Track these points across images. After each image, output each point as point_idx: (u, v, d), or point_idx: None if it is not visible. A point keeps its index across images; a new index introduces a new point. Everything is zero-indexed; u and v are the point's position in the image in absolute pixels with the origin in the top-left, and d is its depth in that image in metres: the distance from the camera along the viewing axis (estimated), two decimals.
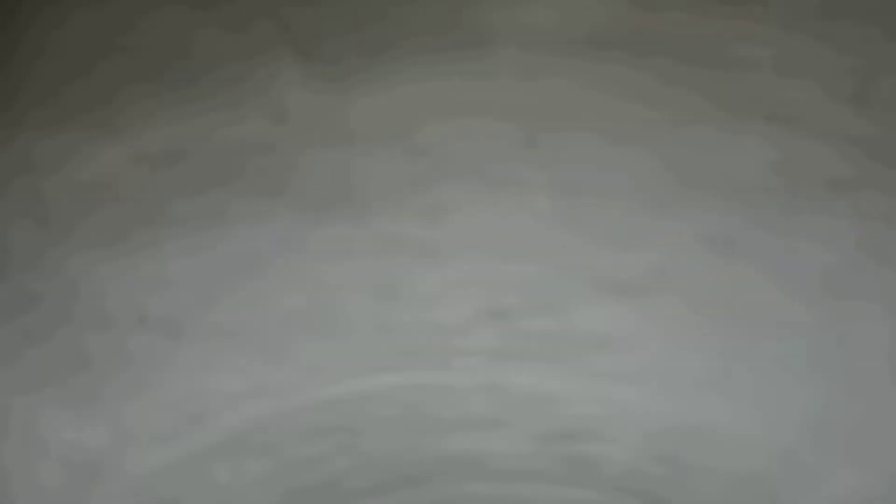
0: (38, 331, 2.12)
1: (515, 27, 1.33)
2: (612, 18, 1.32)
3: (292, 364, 2.35)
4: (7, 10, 1.28)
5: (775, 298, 2.06)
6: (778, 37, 1.37)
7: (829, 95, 1.50)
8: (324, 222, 1.74)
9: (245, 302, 2.14)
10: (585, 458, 2.90)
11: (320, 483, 3.13)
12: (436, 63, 1.41)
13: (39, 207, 1.82)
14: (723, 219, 1.85)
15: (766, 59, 1.42)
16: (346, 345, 2.28)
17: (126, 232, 1.89)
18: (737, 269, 2.00)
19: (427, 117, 1.53)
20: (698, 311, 2.12)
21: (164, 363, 2.30)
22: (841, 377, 2.20)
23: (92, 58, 1.41)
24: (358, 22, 1.32)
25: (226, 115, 1.53)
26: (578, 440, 2.75)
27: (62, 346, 2.17)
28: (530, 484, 3.22)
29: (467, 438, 2.83)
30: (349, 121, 1.52)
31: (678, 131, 1.58)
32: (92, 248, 1.94)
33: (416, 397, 2.51)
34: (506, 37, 1.35)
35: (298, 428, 2.63)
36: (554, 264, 1.96)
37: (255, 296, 2.12)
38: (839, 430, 2.30)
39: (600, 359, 2.27)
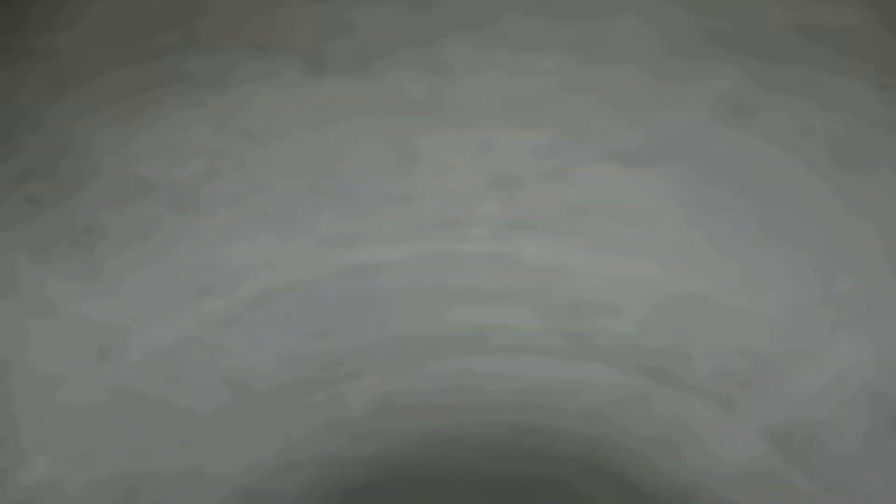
0: (45, 199, 2.12)
1: None
2: None
3: (302, 235, 2.35)
4: None
5: (788, 170, 2.04)
6: None
7: None
8: (328, 78, 1.72)
9: (255, 170, 2.13)
10: (591, 332, 2.93)
11: (330, 358, 3.19)
12: None
13: (48, 72, 1.80)
14: (738, 85, 1.81)
15: None
16: (356, 216, 2.28)
17: (135, 97, 1.88)
18: (750, 140, 1.97)
19: None
20: (710, 182, 2.10)
21: (174, 234, 2.31)
22: (850, 250, 2.19)
23: None
24: None
25: None
26: (585, 313, 2.78)
27: (70, 216, 2.18)
28: (537, 358, 3.27)
29: (475, 312, 2.86)
30: None
31: None
32: (100, 114, 1.92)
33: (426, 268, 2.52)
34: None
35: (310, 300, 2.66)
36: (564, 131, 1.94)
37: (265, 163, 2.10)
38: (845, 303, 2.31)
39: (609, 230, 2.27)
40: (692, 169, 2.05)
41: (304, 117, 1.90)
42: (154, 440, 3.26)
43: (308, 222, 2.28)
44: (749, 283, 2.37)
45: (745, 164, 2.02)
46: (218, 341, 2.79)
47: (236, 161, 2.09)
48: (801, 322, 2.45)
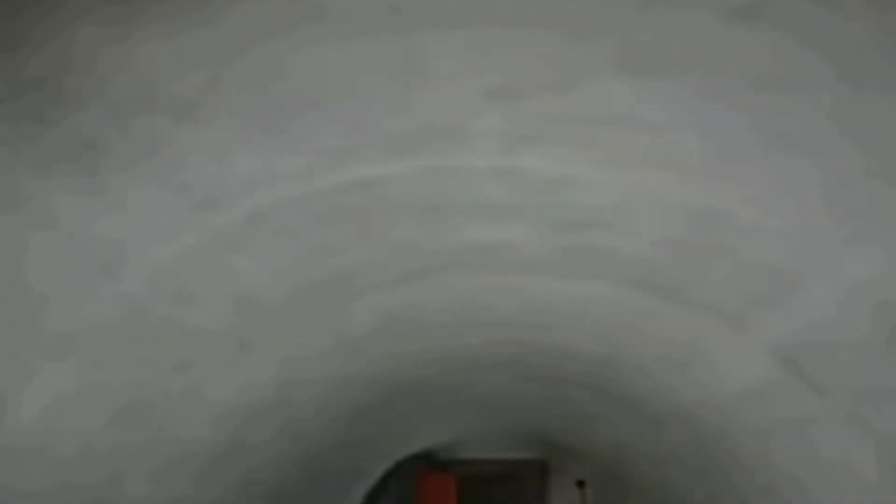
0: (47, 115, 2.09)
1: None
2: None
3: (306, 147, 2.32)
4: None
5: (801, 79, 1.99)
6: None
7: None
8: None
9: (258, 81, 2.09)
10: (599, 249, 2.91)
11: (334, 275, 3.19)
12: None
13: None
14: None
15: None
16: (359, 127, 2.24)
17: (137, 7, 1.83)
18: (763, 48, 1.91)
19: None
20: (722, 92, 2.05)
21: (176, 147, 2.27)
22: (863, 163, 2.14)
23: None
24: None
25: None
26: (593, 229, 2.75)
27: (71, 130, 2.14)
28: (543, 276, 3.26)
29: (480, 228, 2.83)
30: None
31: None
32: (100, 25, 1.87)
33: (429, 182, 2.49)
34: None
35: (314, 214, 2.63)
36: (570, 35, 1.87)
37: (267, 73, 2.06)
38: (858, 217, 2.28)
39: (617, 141, 2.22)
40: (704, 78, 2.00)
41: (303, 26, 1.85)
42: (157, 358, 3.28)
43: (309, 135, 2.24)
44: (761, 196, 2.33)
45: (758, 74, 1.96)
46: (221, 257, 2.77)
47: (238, 72, 2.05)
48: (813, 236, 2.42)
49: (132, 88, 2.08)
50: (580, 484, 9.14)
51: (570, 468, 9.23)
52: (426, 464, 9.23)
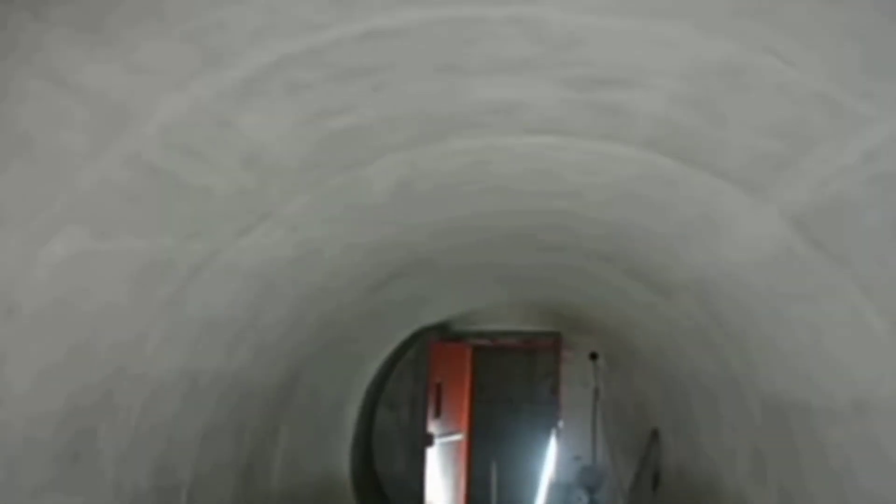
0: None
1: None
2: None
3: None
4: None
5: None
6: None
7: None
8: None
9: None
10: (617, 107, 2.84)
11: (346, 136, 3.14)
12: None
13: None
14: None
15: None
16: None
17: None
18: None
19: None
20: None
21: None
22: (886, 24, 2.05)
23: None
24: None
25: None
26: (611, 86, 2.67)
27: None
28: (559, 138, 3.20)
29: (495, 86, 2.76)
30: None
31: None
32: None
33: (445, 34, 2.40)
34: None
35: (324, 69, 2.56)
36: None
37: None
38: (877, 80, 2.20)
39: None
40: None
41: None
42: (170, 223, 3.28)
43: None
44: (786, 49, 2.24)
45: None
46: (232, 113, 2.72)
47: None
48: (832, 98, 2.34)
49: None
50: (593, 356, 9.29)
51: (582, 341, 9.37)
52: (441, 335, 9.40)
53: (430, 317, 8.66)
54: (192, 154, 2.89)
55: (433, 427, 8.98)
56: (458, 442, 9.54)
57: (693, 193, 3.45)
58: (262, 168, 3.22)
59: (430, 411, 9.00)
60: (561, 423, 9.80)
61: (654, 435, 8.03)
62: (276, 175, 3.36)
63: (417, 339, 9.04)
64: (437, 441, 9.01)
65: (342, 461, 8.10)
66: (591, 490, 6.70)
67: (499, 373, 11.59)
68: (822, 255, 3.11)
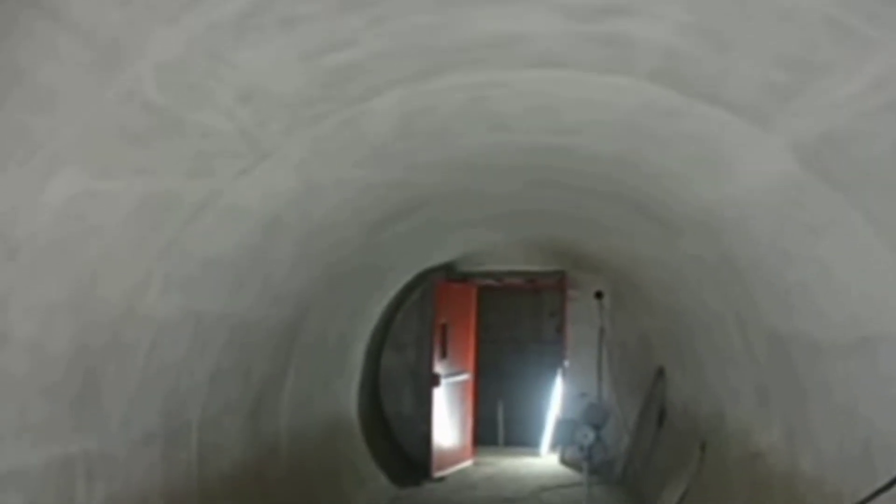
0: None
1: None
2: None
3: None
4: None
5: None
6: None
7: None
8: None
9: None
10: (621, 38, 2.77)
11: (347, 70, 3.08)
12: None
13: None
14: None
15: None
16: None
17: None
18: None
19: None
20: None
21: None
22: None
23: None
24: None
25: None
26: (615, 15, 2.60)
27: None
28: (561, 71, 3.14)
29: (495, 18, 2.69)
30: None
31: None
32: None
33: None
34: None
35: (323, 1, 2.51)
36: None
37: None
38: (882, 11, 2.13)
39: None
40: None
41: None
42: (171, 162, 3.24)
43: None
44: None
45: None
46: (227, 48, 2.67)
47: None
48: (840, 22, 2.28)
49: None
50: (598, 295, 9.31)
51: (588, 280, 9.39)
52: (446, 275, 9.41)
53: (435, 257, 8.66)
54: (188, 91, 2.85)
55: (439, 367, 9.04)
56: (464, 382, 9.62)
57: (698, 127, 3.40)
58: (261, 105, 3.18)
59: (437, 352, 9.06)
60: (567, 362, 9.88)
61: (660, 372, 8.09)
62: (276, 112, 3.31)
63: (423, 280, 9.05)
64: (444, 381, 9.08)
65: (349, 401, 8.18)
66: (596, 427, 6.76)
67: (504, 313, 11.64)
68: (829, 187, 3.07)
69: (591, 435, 6.85)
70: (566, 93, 3.42)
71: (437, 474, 8.86)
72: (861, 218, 3.02)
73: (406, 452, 9.22)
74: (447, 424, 9.20)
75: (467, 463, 9.58)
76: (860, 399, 3.49)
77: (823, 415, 3.94)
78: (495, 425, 10.82)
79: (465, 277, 9.73)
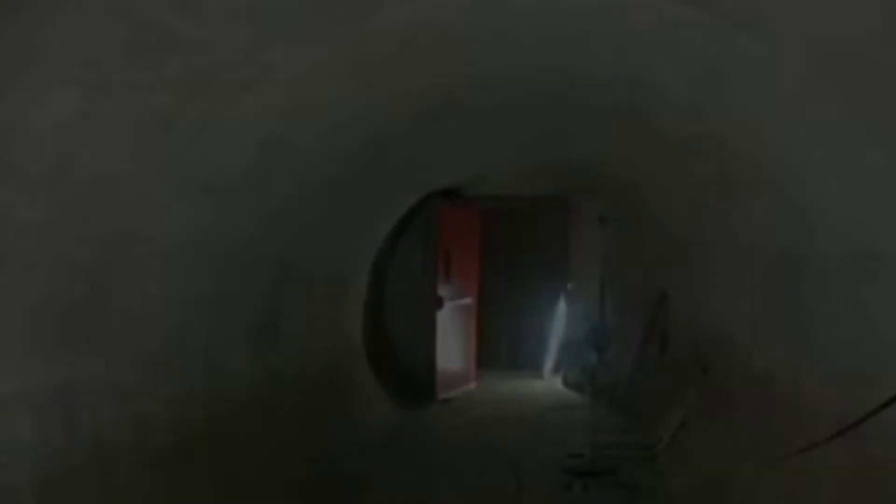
0: None
1: None
2: None
3: None
4: None
5: None
6: None
7: None
8: None
9: None
10: None
11: None
12: None
13: None
14: None
15: None
16: None
17: None
18: None
19: None
20: None
21: None
22: None
23: None
24: None
25: None
26: None
27: None
28: None
29: None
30: None
31: None
32: None
33: None
34: None
35: None
36: None
37: None
38: None
39: None
40: None
41: None
42: (165, 76, 3.17)
43: None
44: None
45: None
46: None
47: None
48: None
49: None
50: (601, 219, 9.25)
51: (591, 204, 9.31)
52: (450, 199, 9.35)
53: (437, 180, 8.56)
54: (182, 5, 2.76)
55: (443, 291, 9.05)
56: (467, 305, 9.64)
57: (703, 39, 3.31)
58: (258, 18, 3.08)
59: (440, 275, 9.06)
60: (570, 286, 9.86)
61: (663, 296, 8.08)
62: (274, 26, 3.22)
63: (425, 204, 8.99)
64: (447, 304, 9.10)
65: (354, 324, 8.21)
66: (600, 349, 6.78)
67: (508, 236, 11.60)
68: (834, 96, 3.00)
69: (593, 357, 6.88)
70: (568, 5, 3.32)
71: (443, 396, 8.95)
72: (869, 132, 2.95)
73: (411, 375, 9.30)
74: (451, 348, 9.26)
75: (472, 385, 9.67)
76: (865, 318, 3.46)
77: (828, 336, 3.92)
78: (498, 347, 10.90)
79: (469, 201, 9.67)
